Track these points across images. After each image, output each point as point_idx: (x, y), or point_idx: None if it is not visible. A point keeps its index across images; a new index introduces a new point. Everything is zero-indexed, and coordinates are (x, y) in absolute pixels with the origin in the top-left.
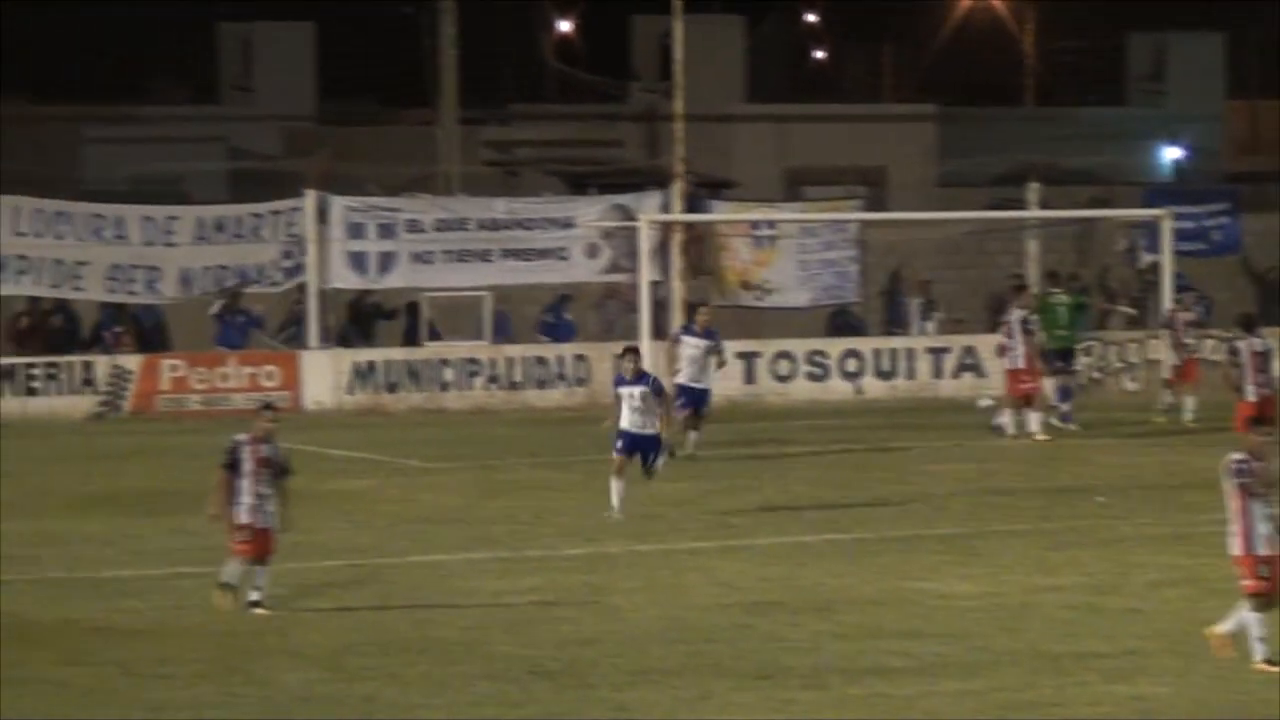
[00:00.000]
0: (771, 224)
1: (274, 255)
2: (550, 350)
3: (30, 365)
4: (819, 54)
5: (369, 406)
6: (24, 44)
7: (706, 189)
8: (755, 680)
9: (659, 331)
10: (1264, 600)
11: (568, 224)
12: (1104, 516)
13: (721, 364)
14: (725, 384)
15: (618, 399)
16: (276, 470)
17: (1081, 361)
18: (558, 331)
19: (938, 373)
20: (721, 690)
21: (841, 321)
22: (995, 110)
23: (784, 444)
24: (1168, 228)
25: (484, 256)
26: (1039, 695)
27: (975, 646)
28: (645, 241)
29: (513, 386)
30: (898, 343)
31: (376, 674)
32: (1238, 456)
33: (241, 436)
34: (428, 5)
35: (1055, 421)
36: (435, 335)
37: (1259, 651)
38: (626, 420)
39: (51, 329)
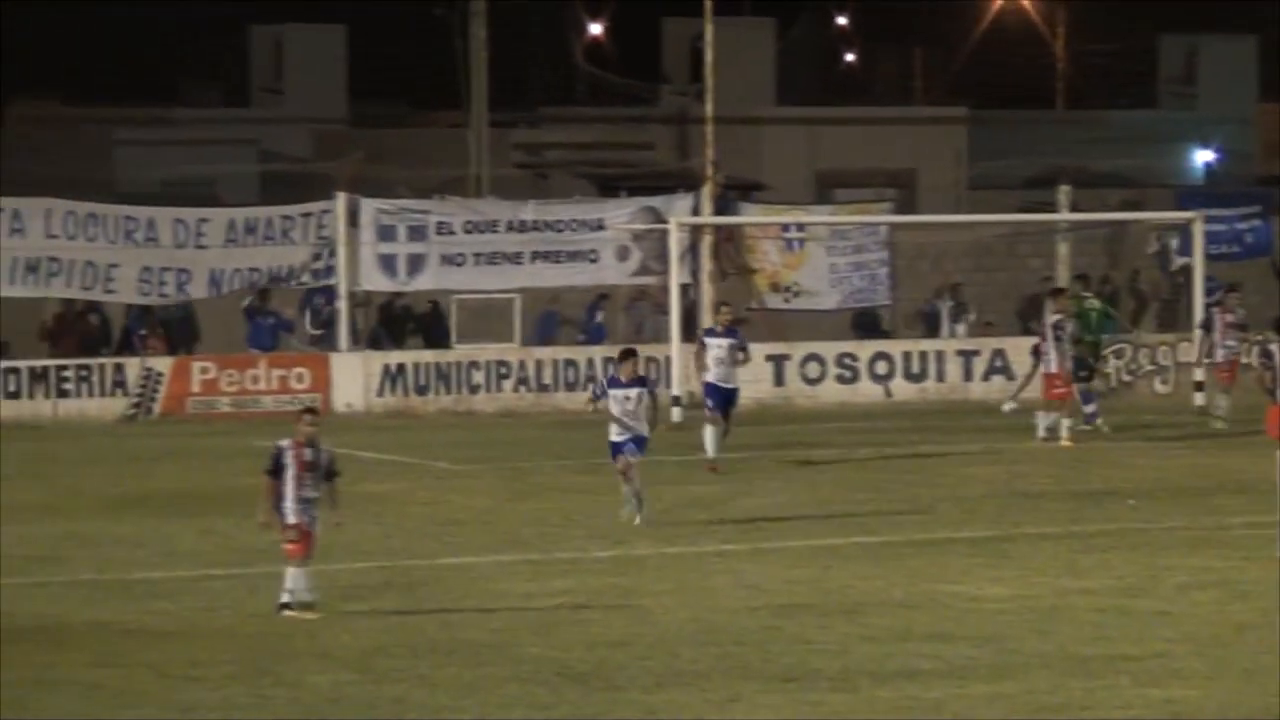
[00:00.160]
0: (801, 226)
1: (304, 257)
2: (580, 353)
3: (62, 367)
4: (849, 56)
5: (399, 409)
6: (57, 47)
7: (736, 191)
8: (784, 683)
9: (689, 334)
10: None
11: (598, 226)
12: (1134, 519)
13: (745, 360)
14: (754, 386)
15: (599, 400)
16: (322, 473)
17: (1112, 364)
18: (590, 333)
19: (968, 375)
20: (750, 693)
21: (866, 323)
22: (1026, 113)
23: (813, 446)
24: (1199, 230)
25: (514, 259)
26: (1069, 698)
27: (1005, 649)
28: (675, 244)
29: (542, 389)
30: (927, 345)
31: (406, 676)
32: None
33: (284, 442)
34: (459, 7)
35: (1081, 425)
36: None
37: None
38: (615, 425)
39: (84, 331)
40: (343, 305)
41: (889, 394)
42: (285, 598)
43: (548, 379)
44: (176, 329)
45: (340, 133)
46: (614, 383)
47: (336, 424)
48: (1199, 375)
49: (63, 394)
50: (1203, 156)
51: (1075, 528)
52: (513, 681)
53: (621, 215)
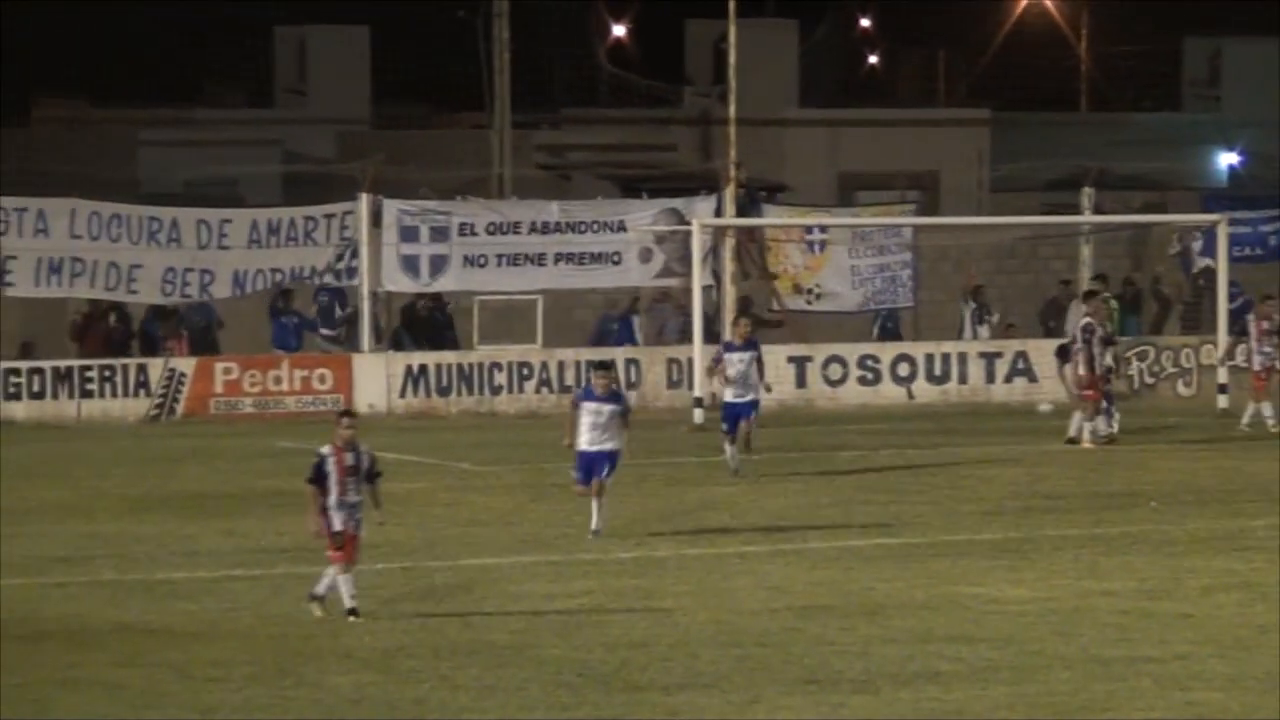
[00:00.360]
0: (823, 228)
1: (327, 258)
2: (604, 355)
3: (86, 367)
4: (872, 58)
5: (421, 410)
6: (82, 48)
7: (764, 193)
8: (805, 684)
9: (711, 336)
10: None
11: (621, 228)
12: (1156, 522)
13: (762, 375)
14: (777, 388)
15: (576, 410)
16: (364, 476)
17: (1134, 366)
18: (621, 335)
19: (990, 377)
20: (771, 694)
21: (889, 326)
22: (1049, 115)
23: (835, 448)
24: (1224, 233)
25: (537, 260)
26: (1090, 700)
27: (1027, 651)
28: (698, 245)
29: (564, 390)
30: (950, 347)
31: (427, 677)
32: None
33: (325, 449)
34: (482, 9)
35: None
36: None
37: None
38: (585, 438)
39: (110, 331)
40: (365, 306)
41: (911, 396)
42: (319, 591)
43: (570, 380)
44: (198, 336)
45: (363, 134)
46: (588, 394)
47: (359, 425)
48: (1223, 378)
49: (86, 394)
50: (1227, 159)
51: (1097, 530)
52: (534, 682)
53: (644, 217)
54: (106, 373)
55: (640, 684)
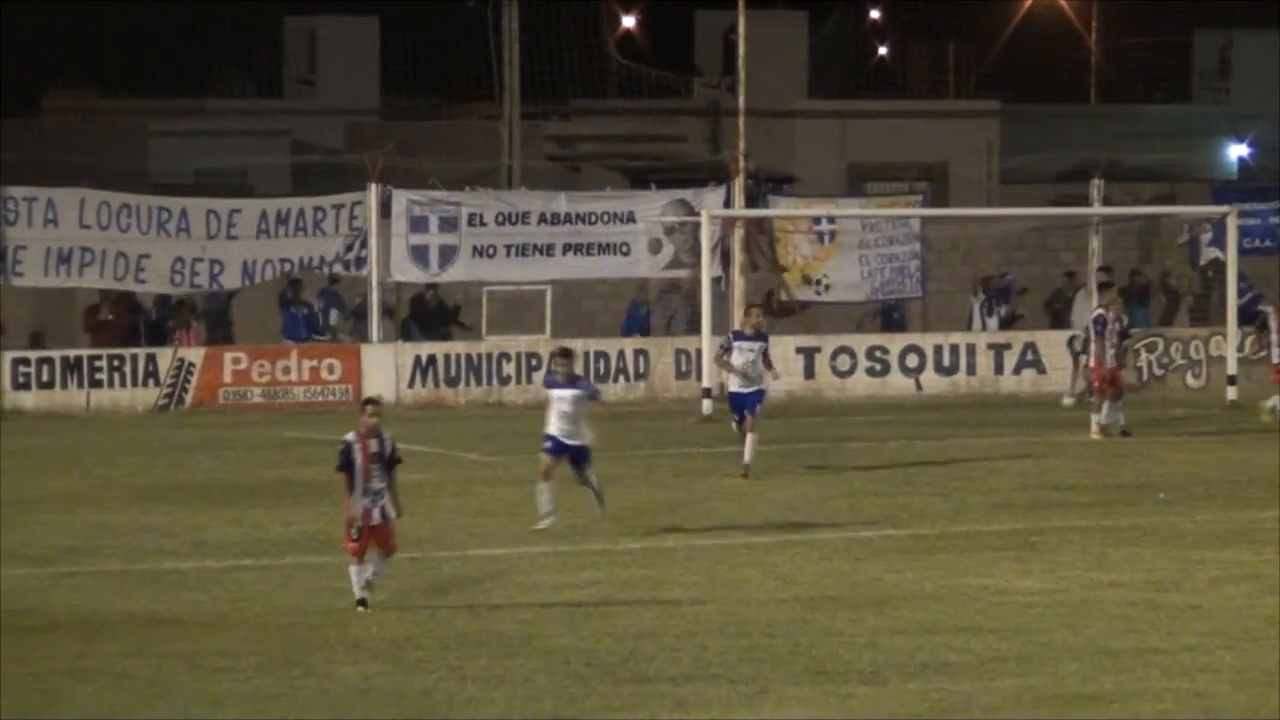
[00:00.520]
0: (832, 219)
1: (336, 248)
2: (610, 345)
3: (95, 357)
4: (882, 50)
5: (430, 400)
6: (93, 39)
7: (770, 184)
8: (813, 675)
9: (720, 326)
10: None
11: (630, 219)
12: (1165, 513)
13: (769, 366)
14: (785, 379)
15: (548, 401)
16: (386, 462)
17: (1143, 357)
18: (630, 325)
19: (999, 369)
20: (779, 685)
21: (895, 317)
22: (1059, 107)
23: (843, 439)
24: (1233, 225)
25: (546, 251)
26: (1099, 691)
27: (1034, 642)
28: (707, 236)
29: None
30: (958, 338)
31: (435, 667)
32: None
33: (350, 436)
34: (491, 0)
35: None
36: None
37: None
38: (555, 426)
39: (121, 321)
40: (374, 296)
41: (919, 387)
42: (359, 594)
43: (578, 370)
44: (214, 320)
45: (373, 124)
46: (551, 383)
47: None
48: (1232, 370)
49: (96, 384)
50: (1236, 151)
51: (1105, 521)
52: (542, 673)
53: (653, 208)
54: (116, 362)
55: (648, 674)
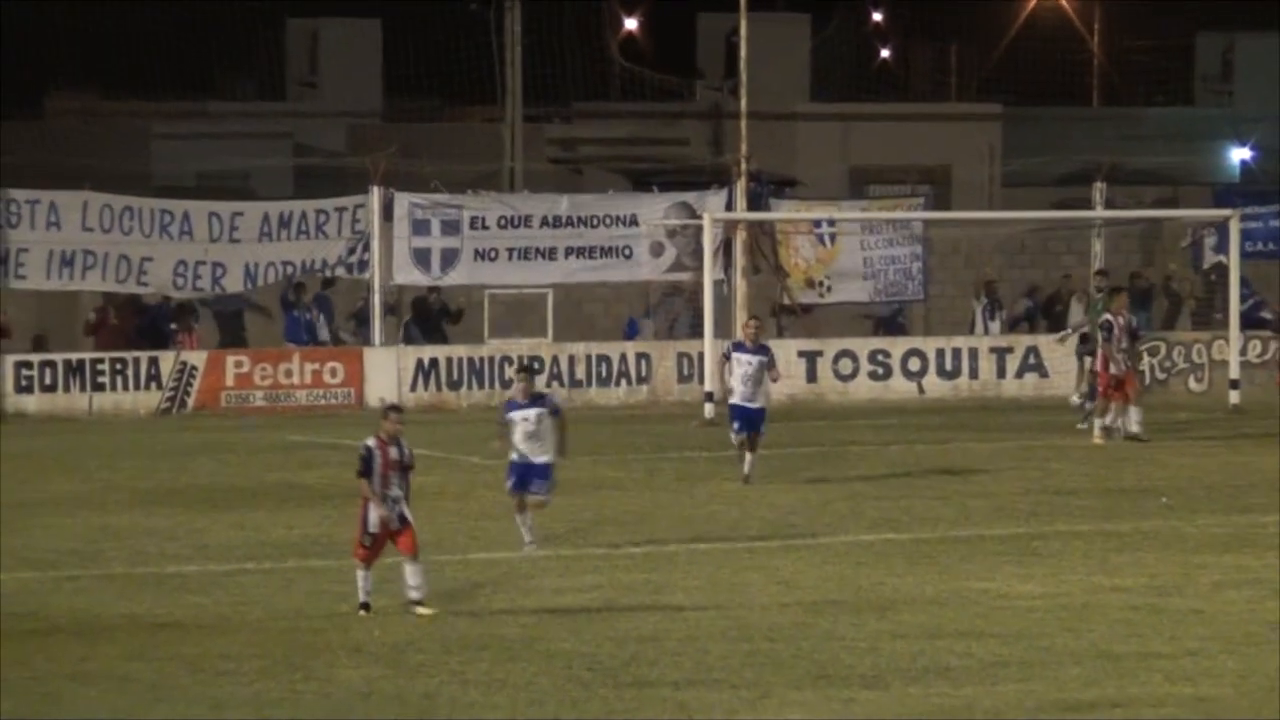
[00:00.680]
0: (833, 222)
1: (339, 251)
2: (612, 348)
3: (97, 360)
4: (884, 53)
5: (432, 403)
6: (95, 41)
7: (772, 186)
8: (815, 680)
9: (722, 330)
10: None
11: (632, 222)
12: (1167, 517)
13: (776, 379)
14: (787, 382)
15: (507, 425)
16: (405, 469)
17: (1145, 361)
18: (631, 330)
19: (1001, 373)
20: (781, 689)
21: (899, 321)
22: (1061, 110)
23: (845, 443)
24: (1235, 228)
25: (548, 254)
26: (1101, 695)
27: (1036, 647)
28: (709, 240)
29: (575, 384)
30: (960, 342)
31: (437, 671)
32: None
33: (370, 441)
34: (494, 2)
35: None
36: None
37: None
38: (519, 449)
39: (123, 325)
40: (376, 299)
41: (922, 391)
42: (415, 594)
43: (580, 374)
44: (228, 322)
45: (375, 127)
46: (511, 406)
47: (370, 419)
48: (1234, 374)
49: (98, 387)
50: (1239, 154)
51: (1108, 525)
52: (543, 677)
53: (655, 211)
54: (118, 366)
55: (650, 679)
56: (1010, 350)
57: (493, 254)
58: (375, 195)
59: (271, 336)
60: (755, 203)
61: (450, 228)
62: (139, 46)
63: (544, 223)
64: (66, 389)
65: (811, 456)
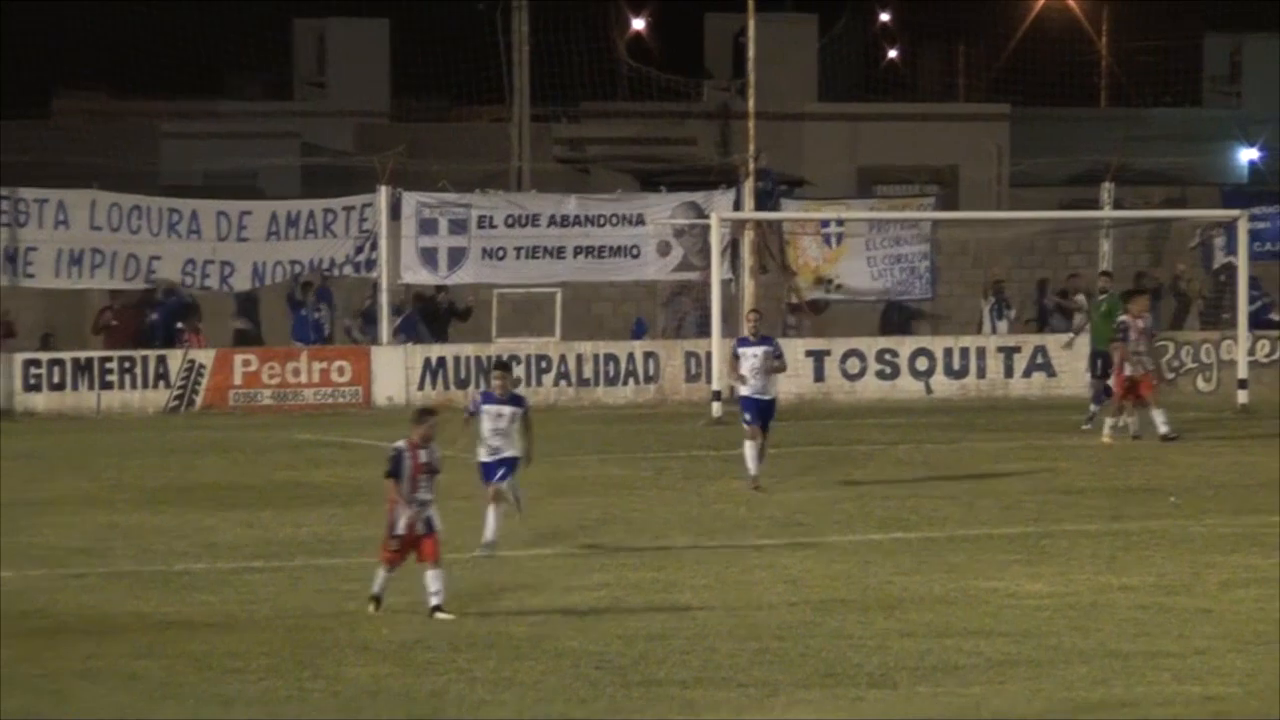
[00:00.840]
0: (841, 221)
1: (346, 250)
2: (620, 347)
3: (105, 359)
4: (892, 53)
5: (439, 402)
6: (103, 40)
7: (779, 187)
8: (823, 678)
9: (730, 329)
10: None
11: (639, 221)
12: (1176, 517)
13: (781, 368)
14: (795, 381)
15: (475, 415)
16: (433, 473)
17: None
18: (639, 328)
19: (1009, 372)
20: (789, 688)
21: (899, 319)
22: (1069, 110)
23: (853, 442)
24: (1244, 229)
25: (555, 253)
26: (1109, 694)
27: (1045, 645)
28: (716, 239)
29: (582, 383)
30: (968, 341)
31: (445, 669)
32: None
33: (400, 443)
34: (501, 2)
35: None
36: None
37: None
38: (487, 443)
39: (129, 323)
40: (383, 298)
41: (929, 390)
42: (435, 600)
43: (588, 373)
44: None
45: (382, 126)
46: (487, 397)
47: (378, 417)
48: (1242, 373)
49: (106, 386)
50: (1247, 155)
51: (1116, 525)
52: (551, 675)
53: (663, 210)
54: (126, 364)
55: (658, 677)
56: (1018, 349)
57: (500, 253)
58: (383, 194)
59: (279, 335)
60: (764, 199)
61: (458, 227)
62: (147, 47)
63: (552, 222)
64: (75, 387)
65: (819, 455)
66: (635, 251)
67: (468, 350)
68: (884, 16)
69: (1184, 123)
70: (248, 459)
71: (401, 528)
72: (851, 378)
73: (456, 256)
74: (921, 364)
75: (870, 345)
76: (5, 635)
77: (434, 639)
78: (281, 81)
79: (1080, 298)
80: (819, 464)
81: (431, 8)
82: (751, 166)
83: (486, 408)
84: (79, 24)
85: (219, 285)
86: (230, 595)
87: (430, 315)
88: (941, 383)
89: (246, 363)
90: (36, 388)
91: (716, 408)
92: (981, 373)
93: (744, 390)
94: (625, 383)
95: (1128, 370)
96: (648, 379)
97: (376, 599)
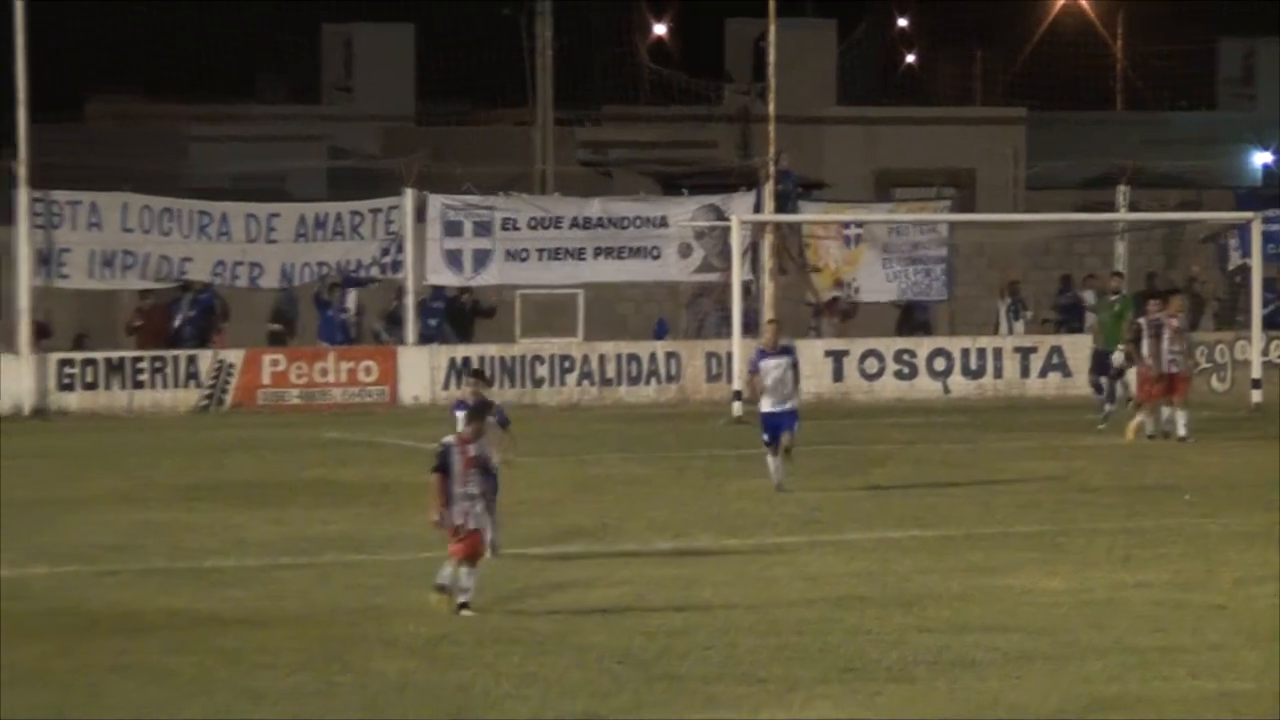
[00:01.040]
0: (859, 224)
1: (373, 252)
2: (642, 347)
3: (137, 359)
4: (910, 57)
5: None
6: (135, 45)
7: (799, 189)
8: (842, 673)
9: (750, 330)
10: None
11: (661, 223)
12: (1190, 515)
13: (797, 382)
14: (814, 381)
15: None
16: (484, 468)
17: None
18: (660, 329)
19: (1025, 372)
20: (808, 683)
21: (916, 321)
22: (1084, 114)
23: (871, 441)
24: (1258, 231)
25: (578, 255)
26: (1125, 689)
27: (1061, 641)
28: (737, 241)
29: (605, 383)
30: (985, 342)
31: (470, 663)
32: None
33: (449, 439)
34: (525, 7)
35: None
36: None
37: None
38: None
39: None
40: (410, 300)
41: (946, 390)
42: (462, 597)
43: (610, 373)
44: (287, 324)
45: (408, 130)
46: (460, 406)
47: (404, 416)
48: (1256, 373)
49: (138, 385)
50: (1261, 158)
51: (1131, 523)
52: (575, 670)
53: (684, 213)
54: (157, 364)
55: (679, 672)
56: (1034, 350)
57: (524, 255)
58: (408, 197)
59: (307, 335)
60: (784, 199)
61: (482, 229)
62: (177, 52)
63: (574, 224)
64: (107, 387)
65: (838, 454)
66: (657, 253)
67: (492, 351)
68: (902, 22)
69: (1199, 126)
70: (276, 457)
71: (459, 519)
72: (870, 378)
73: (481, 258)
74: (939, 364)
75: (888, 346)
76: (39, 631)
77: (460, 635)
78: (309, 86)
79: (1088, 295)
80: (838, 463)
81: (456, 13)
82: (772, 169)
83: (460, 415)
84: (111, 29)
85: (248, 286)
86: (260, 591)
87: (455, 315)
88: (959, 383)
89: (275, 363)
90: (70, 387)
91: (737, 407)
92: (998, 373)
93: (765, 406)
94: (647, 382)
95: (1161, 368)
96: (669, 379)
97: (443, 588)
